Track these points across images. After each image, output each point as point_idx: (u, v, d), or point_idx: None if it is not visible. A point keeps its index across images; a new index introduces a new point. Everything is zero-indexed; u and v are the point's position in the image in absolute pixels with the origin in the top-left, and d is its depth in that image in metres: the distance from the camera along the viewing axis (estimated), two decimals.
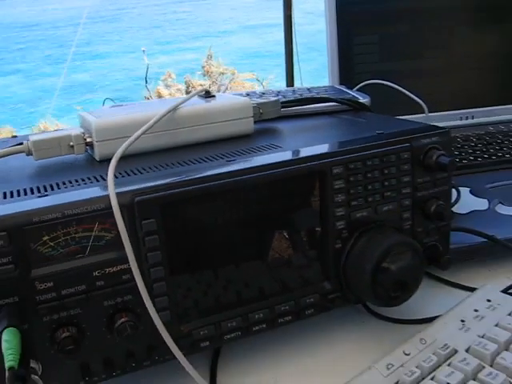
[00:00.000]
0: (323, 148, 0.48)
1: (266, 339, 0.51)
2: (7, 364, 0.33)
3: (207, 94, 0.57)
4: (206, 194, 0.42)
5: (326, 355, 0.51)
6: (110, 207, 0.38)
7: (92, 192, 0.40)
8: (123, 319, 0.40)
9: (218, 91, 0.66)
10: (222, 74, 3.33)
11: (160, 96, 3.88)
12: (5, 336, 0.35)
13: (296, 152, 0.47)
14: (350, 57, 0.86)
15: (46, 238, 0.38)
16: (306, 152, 0.46)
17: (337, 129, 0.59)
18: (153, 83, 4.00)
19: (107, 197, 0.39)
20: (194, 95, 0.55)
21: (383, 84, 0.77)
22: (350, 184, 0.47)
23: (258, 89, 3.58)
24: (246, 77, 3.63)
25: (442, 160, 0.50)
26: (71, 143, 0.49)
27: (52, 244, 0.38)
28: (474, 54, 0.93)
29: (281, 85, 4.27)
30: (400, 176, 0.50)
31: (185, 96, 0.54)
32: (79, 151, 0.50)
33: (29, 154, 0.49)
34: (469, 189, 0.74)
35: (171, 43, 10.97)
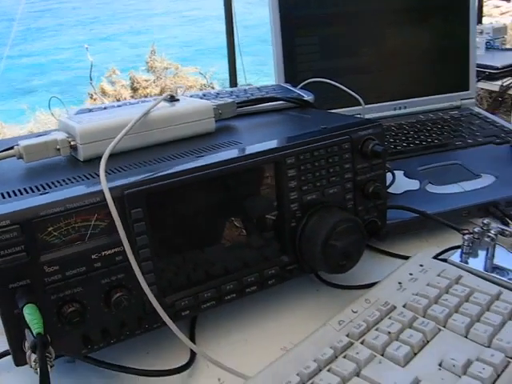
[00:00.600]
0: (278, 142, 0.56)
1: (236, 307, 0.59)
2: (35, 331, 0.41)
3: (172, 98, 0.64)
4: (182, 186, 0.50)
5: (287, 319, 0.60)
6: (105, 200, 0.46)
7: (87, 188, 0.47)
8: (118, 294, 0.48)
9: (176, 93, 0.73)
10: (166, 68, 3.38)
11: (104, 92, 3.88)
12: (27, 310, 0.42)
13: (255, 147, 0.55)
14: (294, 57, 0.95)
15: (50, 228, 0.45)
16: (263, 146, 0.55)
17: (286, 125, 0.68)
18: (95, 79, 4.00)
19: (101, 191, 0.46)
20: (160, 100, 0.62)
21: (323, 82, 0.87)
22: (300, 172, 0.56)
23: (203, 82, 3.65)
24: (190, 71, 3.69)
25: (376, 148, 0.59)
26: (57, 146, 0.56)
27: (56, 233, 0.46)
28: (404, 51, 1.04)
29: (223, 76, 4.33)
30: (342, 163, 0.59)
31: (153, 101, 0.62)
32: (65, 153, 0.57)
33: (20, 157, 0.56)
34: (403, 171, 0.84)
35: (111, 38, 10.82)
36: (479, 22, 4.88)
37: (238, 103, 0.68)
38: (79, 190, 0.47)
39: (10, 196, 0.48)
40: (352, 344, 0.53)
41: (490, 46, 2.33)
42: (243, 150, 0.54)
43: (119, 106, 0.79)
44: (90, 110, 0.80)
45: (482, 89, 2.18)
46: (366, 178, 0.61)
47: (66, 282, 0.46)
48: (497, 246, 0.65)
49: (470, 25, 1.06)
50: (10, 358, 0.51)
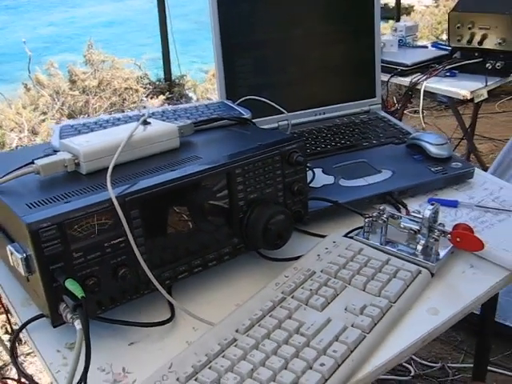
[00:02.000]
0: (228, 158, 0.78)
1: (201, 277, 0.81)
2: (80, 295, 0.61)
3: (145, 122, 0.85)
4: (163, 192, 0.71)
5: (238, 284, 0.82)
6: (113, 205, 0.66)
7: (99, 197, 0.67)
8: (123, 270, 0.69)
9: (143, 114, 0.93)
10: (103, 61, 3.51)
11: (40, 82, 3.93)
12: (68, 283, 0.62)
13: (213, 161, 0.77)
14: (233, 76, 1.16)
15: (76, 226, 0.65)
16: (219, 161, 0.76)
17: (232, 140, 0.90)
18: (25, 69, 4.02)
19: (110, 199, 0.67)
20: (138, 125, 0.82)
21: (256, 99, 1.09)
22: (245, 178, 0.78)
23: (139, 74, 3.78)
24: (125, 62, 3.82)
25: (299, 159, 0.82)
26: (65, 164, 0.76)
27: (80, 230, 0.66)
28: (322, 67, 1.26)
29: (157, 63, 4.44)
30: (275, 170, 0.81)
31: (133, 125, 0.82)
32: (71, 169, 0.76)
33: (37, 173, 0.75)
34: (321, 169, 1.07)
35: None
36: (397, 20, 5.22)
37: (194, 123, 0.89)
38: (94, 198, 0.67)
39: (44, 204, 0.67)
40: (285, 298, 0.76)
41: (402, 44, 2.60)
42: (205, 164, 0.76)
43: (96, 123, 0.98)
44: (72, 127, 0.99)
45: (396, 85, 2.45)
46: (292, 180, 0.84)
47: (87, 263, 0.67)
48: (388, 226, 0.90)
49: (375, 46, 1.30)
50: (39, 321, 0.71)
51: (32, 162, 0.76)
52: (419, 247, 0.85)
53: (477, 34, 2.19)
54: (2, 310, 0.84)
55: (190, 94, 4.41)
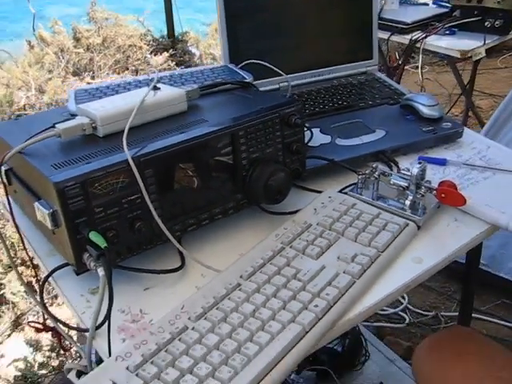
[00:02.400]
0: (232, 120, 0.85)
1: (209, 229, 0.89)
2: (103, 245, 0.70)
3: (155, 88, 0.91)
4: (174, 153, 0.79)
5: (242, 235, 0.91)
6: (129, 165, 0.74)
7: (117, 157, 0.75)
8: (139, 223, 0.77)
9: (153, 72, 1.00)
10: (107, 19, 3.53)
11: (43, 40, 3.95)
12: (92, 235, 0.71)
13: (218, 123, 0.84)
14: (236, 40, 1.21)
15: (96, 184, 0.73)
16: (223, 123, 0.84)
17: (235, 104, 0.96)
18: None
19: (126, 160, 0.74)
20: (149, 91, 0.89)
21: (258, 63, 1.15)
22: (248, 139, 0.85)
23: (142, 31, 3.80)
24: (129, 19, 3.84)
25: (297, 121, 0.89)
26: (84, 128, 0.83)
27: (100, 188, 0.73)
28: (321, 30, 1.32)
29: (160, 18, 4.43)
30: (274, 132, 0.88)
31: (144, 91, 0.89)
32: (89, 132, 0.84)
33: (58, 136, 0.82)
34: (319, 128, 1.14)
35: None
36: None
37: (200, 88, 0.96)
38: (112, 159, 0.75)
39: (67, 165, 0.75)
40: (284, 248, 0.84)
41: (403, 1, 2.63)
42: (211, 127, 0.83)
43: (109, 87, 1.05)
44: (86, 91, 1.05)
45: (398, 42, 2.48)
46: (291, 141, 0.91)
47: (107, 217, 0.75)
48: (380, 182, 0.97)
49: (373, 8, 1.35)
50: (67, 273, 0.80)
51: (53, 126, 0.83)
52: (407, 202, 0.93)
53: None
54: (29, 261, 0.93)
55: (193, 50, 4.43)
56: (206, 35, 7.16)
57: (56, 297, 2.25)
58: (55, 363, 1.84)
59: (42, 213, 0.76)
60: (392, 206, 0.95)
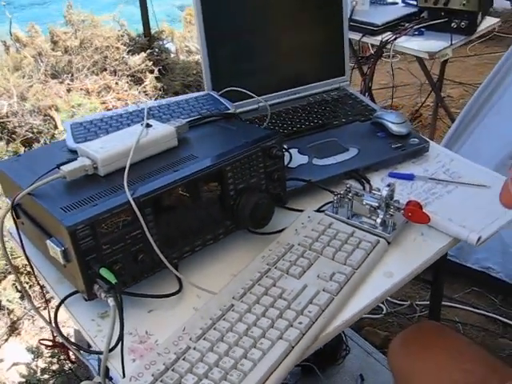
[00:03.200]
0: (220, 157, 0.95)
1: (202, 254, 0.99)
2: (113, 281, 0.79)
3: (148, 125, 1.01)
4: (169, 191, 0.88)
5: (233, 257, 1.01)
6: (131, 205, 0.84)
7: (119, 199, 0.85)
8: (141, 255, 0.87)
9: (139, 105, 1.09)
10: (83, 21, 3.58)
11: (19, 40, 3.97)
12: (102, 271, 0.80)
13: (207, 161, 0.93)
14: (216, 64, 1.30)
15: (103, 224, 0.83)
16: (213, 160, 0.93)
17: (221, 137, 1.06)
18: None
19: (128, 201, 0.84)
20: (143, 129, 0.98)
21: (237, 90, 1.25)
22: (234, 172, 0.95)
23: (119, 33, 3.84)
24: (105, 19, 3.88)
25: (277, 153, 0.99)
26: (86, 169, 0.92)
27: (106, 227, 0.83)
28: (296, 50, 1.41)
29: (135, 14, 4.47)
30: (258, 163, 0.98)
31: (138, 130, 0.98)
32: (91, 172, 0.93)
33: (64, 177, 0.91)
34: (297, 149, 1.24)
35: None
36: None
37: (188, 122, 1.05)
38: (115, 201, 0.84)
39: (75, 207, 0.84)
40: (270, 269, 0.95)
41: (374, 1, 2.72)
42: (201, 164, 0.93)
43: (102, 120, 1.13)
44: (81, 124, 1.14)
45: (368, 44, 2.58)
46: (272, 170, 1.01)
47: (114, 252, 0.84)
48: (354, 201, 1.08)
49: (344, 28, 1.44)
50: (75, 298, 0.89)
51: (58, 167, 0.92)
52: (378, 220, 1.04)
53: None
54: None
55: (169, 46, 4.48)
56: (180, 22, 7.16)
57: (50, 300, 2.35)
58: (54, 367, 1.94)
59: (53, 249, 0.85)
60: (365, 223, 1.05)
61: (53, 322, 0.93)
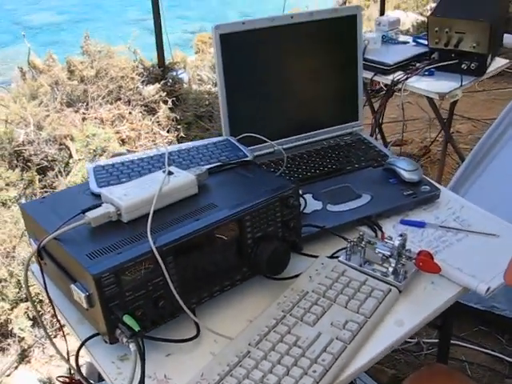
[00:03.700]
0: (239, 206, 0.98)
1: (220, 299, 1.02)
2: (136, 329, 0.82)
3: (170, 173, 1.05)
4: (191, 240, 0.92)
5: (249, 302, 1.04)
6: (154, 254, 0.87)
7: (143, 248, 0.88)
8: (162, 301, 0.90)
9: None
10: (100, 51, 3.66)
11: (35, 67, 4.05)
12: (125, 318, 0.84)
13: (228, 209, 0.97)
14: (234, 111, 1.35)
15: (127, 272, 0.86)
16: (232, 211, 0.97)
17: (240, 186, 1.10)
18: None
19: (151, 250, 0.87)
20: (165, 176, 1.02)
21: (255, 136, 1.29)
22: (252, 222, 0.99)
23: (134, 64, 3.92)
24: (120, 50, 3.96)
25: (294, 203, 1.03)
26: (110, 215, 0.96)
27: (129, 274, 0.86)
28: (312, 98, 1.46)
29: (149, 52, 4.57)
30: (275, 213, 1.02)
31: (160, 177, 1.02)
32: (115, 218, 0.97)
33: (88, 223, 0.95)
34: (311, 194, 1.28)
35: None
36: (381, 14, 5.37)
37: (208, 169, 1.09)
38: (139, 249, 0.88)
39: (100, 255, 0.88)
40: (285, 316, 0.98)
41: (386, 39, 2.77)
42: (220, 213, 0.96)
43: (123, 164, 1.18)
44: (103, 168, 1.18)
45: (374, 82, 2.64)
46: (289, 218, 1.05)
47: (136, 299, 0.88)
48: (367, 249, 1.11)
49: (358, 76, 1.49)
50: (95, 339, 0.92)
51: (83, 213, 0.96)
52: (390, 269, 1.07)
53: (453, 37, 2.37)
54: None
55: (182, 75, 4.56)
56: (191, 48, 7.25)
57: (60, 329, 2.37)
58: None
59: (78, 294, 0.89)
60: (377, 270, 1.08)
61: (73, 362, 0.96)
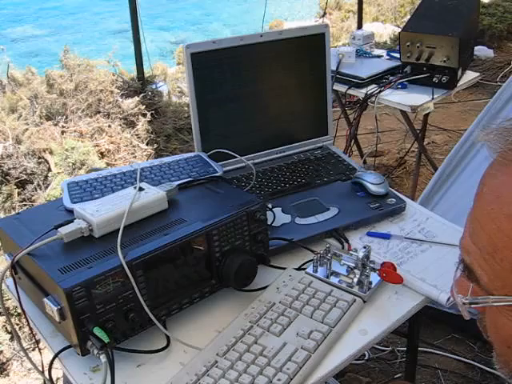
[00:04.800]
0: (206, 221, 1.02)
1: (189, 311, 1.05)
2: (106, 340, 0.85)
3: (141, 189, 1.08)
4: (160, 254, 0.95)
5: (218, 313, 1.07)
6: (123, 268, 0.90)
7: (113, 262, 0.91)
8: (132, 314, 0.93)
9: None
10: (79, 65, 3.68)
11: (15, 81, 4.07)
12: (95, 330, 0.87)
13: (196, 225, 1.01)
14: (206, 127, 1.39)
15: (97, 286, 0.89)
16: (200, 224, 1.01)
17: (208, 201, 1.13)
18: None
19: (121, 265, 0.90)
20: (136, 193, 1.06)
21: (225, 152, 1.33)
22: (220, 236, 1.03)
23: (113, 77, 3.95)
24: (99, 63, 3.99)
25: (261, 217, 1.07)
26: (82, 231, 0.99)
27: (100, 288, 0.90)
28: (282, 114, 1.50)
29: (130, 62, 4.60)
30: (242, 226, 1.06)
31: (131, 193, 1.05)
32: (86, 234, 1.00)
33: (61, 239, 0.98)
34: (280, 208, 1.32)
35: None
36: (359, 26, 5.45)
37: (178, 185, 1.12)
38: (109, 264, 0.91)
39: (72, 269, 0.91)
40: (252, 327, 1.01)
41: (360, 53, 2.83)
42: (190, 228, 1.00)
43: (97, 180, 1.21)
44: (77, 184, 1.21)
45: (351, 95, 2.70)
46: (256, 232, 1.09)
47: (106, 312, 0.91)
48: (333, 260, 1.15)
49: (327, 92, 1.54)
50: (68, 350, 0.95)
51: (55, 228, 0.99)
52: (355, 280, 1.11)
53: (424, 51, 2.43)
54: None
55: (162, 88, 4.60)
56: (174, 59, 7.30)
57: (38, 342, 2.39)
58: None
59: (50, 307, 0.91)
60: (343, 281, 1.12)
61: (46, 373, 0.99)
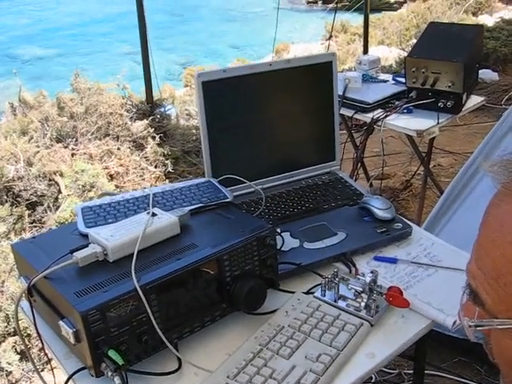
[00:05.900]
0: (218, 247, 1.05)
1: (200, 334, 1.08)
2: (120, 362, 0.88)
3: (153, 214, 1.11)
4: (173, 278, 0.98)
5: (228, 336, 1.10)
6: (137, 292, 0.93)
7: (127, 286, 0.94)
8: (145, 336, 0.96)
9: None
10: (89, 88, 3.75)
11: (26, 103, 4.14)
12: (110, 352, 0.89)
13: (207, 250, 1.04)
14: (216, 154, 1.43)
15: (112, 309, 0.92)
16: (211, 250, 1.03)
17: (219, 226, 1.16)
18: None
19: (135, 288, 0.93)
20: (149, 218, 1.09)
21: (236, 178, 1.36)
22: (231, 261, 1.05)
23: (123, 101, 4.00)
24: (109, 87, 4.06)
25: (270, 242, 1.09)
26: (97, 255, 1.02)
27: (115, 311, 0.92)
28: (292, 142, 1.54)
29: (138, 83, 4.67)
30: (252, 252, 1.08)
31: (144, 219, 1.08)
32: (101, 258, 1.03)
33: (76, 263, 1.01)
34: (289, 233, 1.34)
35: None
36: (365, 51, 5.52)
37: (190, 211, 1.16)
38: (124, 287, 0.94)
39: (87, 293, 0.94)
40: (262, 350, 1.03)
41: (366, 78, 2.87)
42: (202, 253, 1.03)
43: (110, 205, 1.24)
44: (91, 209, 1.24)
45: (358, 119, 2.74)
46: (266, 257, 1.11)
47: (121, 334, 0.93)
48: (340, 284, 1.17)
49: (335, 118, 1.57)
50: (82, 372, 0.98)
51: (71, 253, 1.02)
52: (362, 304, 1.13)
53: (430, 77, 2.47)
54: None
55: (170, 111, 4.66)
56: (181, 81, 7.38)
57: (48, 363, 2.41)
58: None
59: (65, 330, 0.94)
60: (350, 305, 1.15)
61: None
